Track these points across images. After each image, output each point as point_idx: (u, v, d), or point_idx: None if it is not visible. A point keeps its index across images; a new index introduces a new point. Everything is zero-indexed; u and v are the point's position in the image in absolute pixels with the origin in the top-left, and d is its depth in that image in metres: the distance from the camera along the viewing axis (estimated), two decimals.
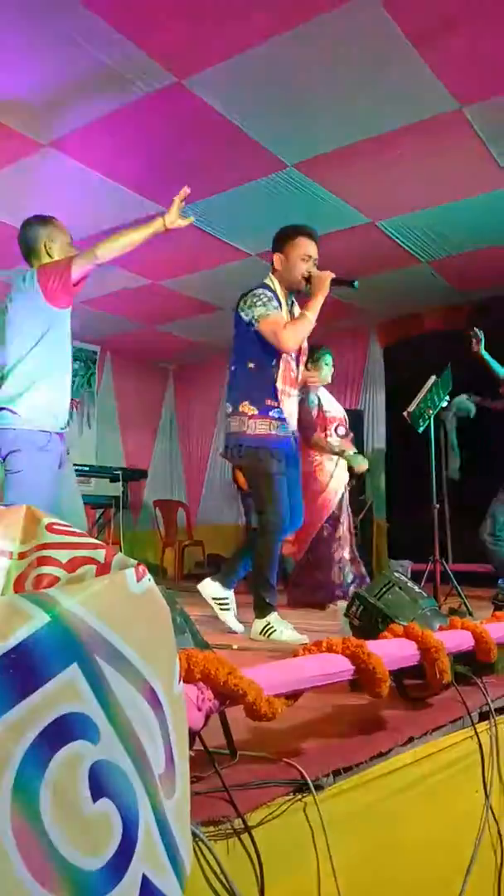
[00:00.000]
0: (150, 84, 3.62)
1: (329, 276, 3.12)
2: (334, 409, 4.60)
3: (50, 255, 2.87)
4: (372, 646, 1.64)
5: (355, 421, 7.00)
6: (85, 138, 4.05)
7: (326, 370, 4.56)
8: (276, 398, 3.09)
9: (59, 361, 2.73)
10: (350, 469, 4.62)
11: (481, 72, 3.52)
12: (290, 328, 3.03)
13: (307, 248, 3.20)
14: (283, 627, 2.93)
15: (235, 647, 2.40)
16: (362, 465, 4.60)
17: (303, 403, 4.23)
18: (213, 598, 3.22)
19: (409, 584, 2.08)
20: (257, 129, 4.01)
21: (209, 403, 8.41)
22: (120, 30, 3.24)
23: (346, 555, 4.46)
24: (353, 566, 4.49)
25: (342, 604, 2.61)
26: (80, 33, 3.23)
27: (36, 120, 3.91)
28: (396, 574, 2.06)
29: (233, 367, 3.16)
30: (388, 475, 6.88)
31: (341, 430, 4.60)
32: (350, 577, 4.46)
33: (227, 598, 3.20)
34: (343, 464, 4.55)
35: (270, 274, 3.25)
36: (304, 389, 4.27)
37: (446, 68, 3.51)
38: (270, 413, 3.08)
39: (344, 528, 4.49)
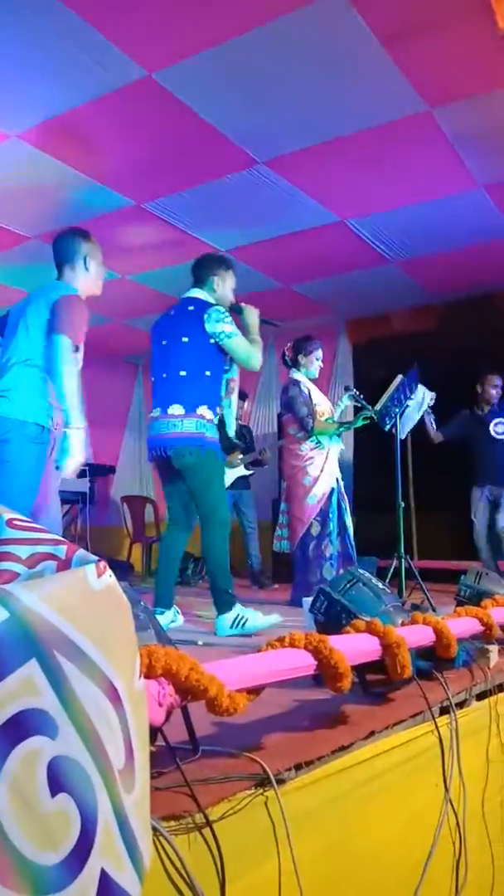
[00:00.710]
0: (120, 77, 3.59)
1: (256, 311, 3.54)
2: (323, 403, 4.59)
3: (87, 269, 3.04)
4: (334, 641, 1.65)
5: None
6: (54, 130, 4.01)
7: (317, 364, 4.64)
8: (219, 406, 3.39)
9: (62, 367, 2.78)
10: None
11: (450, 74, 3.57)
12: (258, 350, 3.36)
13: (234, 281, 3.59)
14: (251, 614, 3.06)
15: (200, 643, 2.40)
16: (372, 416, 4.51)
17: (297, 396, 4.45)
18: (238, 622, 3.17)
19: (374, 580, 2.10)
20: (228, 124, 4.01)
21: None
22: (90, 21, 3.21)
23: (336, 551, 4.34)
24: (346, 563, 4.35)
25: (307, 600, 2.62)
26: (48, 23, 3.19)
27: (2, 110, 3.86)
28: (361, 570, 2.09)
29: (184, 373, 3.30)
30: (354, 473, 6.84)
31: (324, 417, 4.62)
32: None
33: (242, 615, 3.16)
34: (333, 458, 4.46)
35: (207, 291, 3.48)
36: (294, 382, 4.51)
37: (416, 69, 3.55)
38: (215, 420, 3.35)
39: (333, 524, 4.39)
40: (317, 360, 4.65)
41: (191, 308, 3.38)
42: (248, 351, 3.28)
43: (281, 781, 1.30)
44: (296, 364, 4.65)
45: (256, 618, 3.09)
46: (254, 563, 6.07)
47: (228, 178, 4.53)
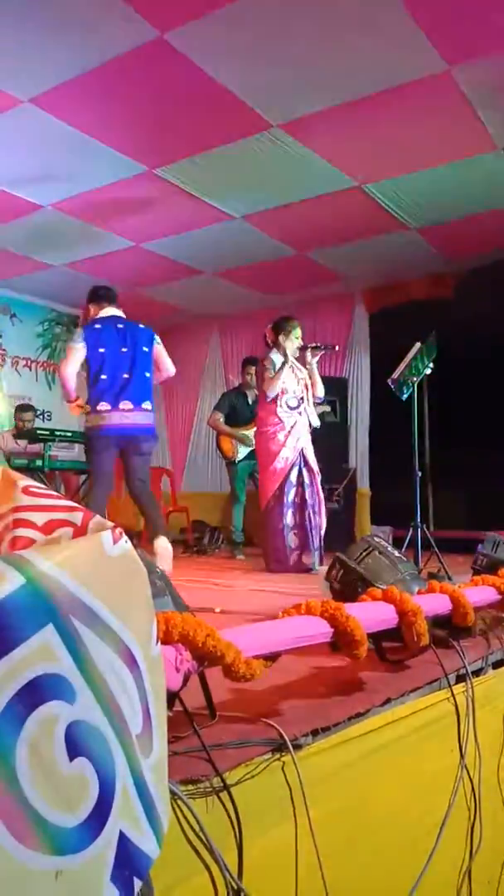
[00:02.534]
0: (132, 39, 3.52)
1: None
2: (291, 384, 4.63)
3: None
4: (351, 608, 1.65)
5: (340, 388, 6.87)
6: (66, 95, 3.95)
7: (296, 343, 4.69)
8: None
9: None
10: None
11: (470, 31, 3.46)
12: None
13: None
14: None
15: (218, 610, 2.40)
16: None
17: (265, 369, 4.67)
18: None
19: (389, 548, 2.09)
20: (241, 86, 3.92)
21: (194, 367, 8.26)
22: None
23: (289, 521, 4.47)
24: (297, 535, 4.50)
25: (323, 568, 2.63)
26: None
27: (13, 75, 3.80)
28: (377, 539, 2.07)
29: (147, 374, 4.13)
30: (371, 443, 6.84)
31: (292, 401, 4.61)
32: (293, 544, 4.50)
33: None
34: (300, 429, 4.57)
35: (118, 311, 4.27)
36: (266, 360, 4.70)
37: (435, 27, 3.44)
38: None
39: (291, 496, 4.50)
40: (296, 338, 4.70)
41: (140, 325, 4.22)
42: (170, 364, 4.35)
43: (298, 747, 1.31)
44: (276, 345, 4.69)
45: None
46: None
47: (242, 142, 4.45)
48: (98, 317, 4.22)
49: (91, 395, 4.06)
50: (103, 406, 4.01)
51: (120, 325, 4.15)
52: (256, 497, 5.00)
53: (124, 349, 4.07)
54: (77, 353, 4.06)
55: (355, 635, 1.60)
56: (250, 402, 5.83)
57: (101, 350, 4.04)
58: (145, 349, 4.14)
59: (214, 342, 8.32)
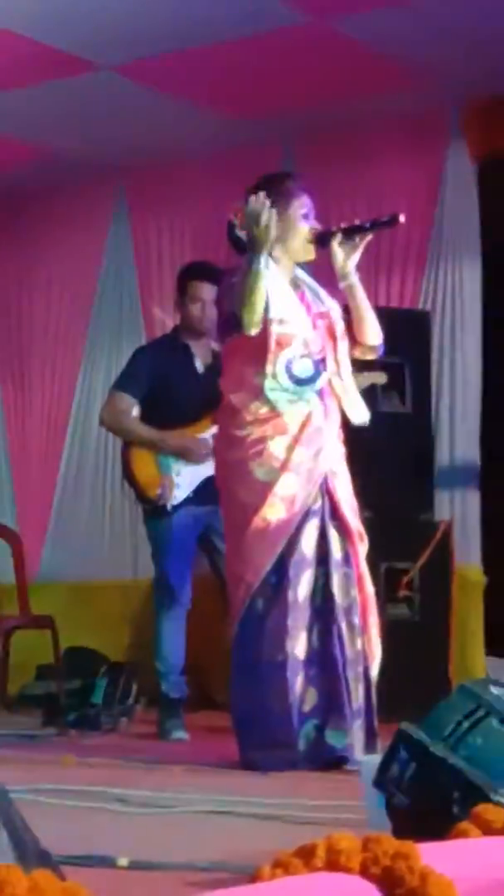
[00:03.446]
0: None
1: None
2: (294, 319, 2.24)
3: None
4: (433, 854, 0.83)
5: (412, 335, 3.27)
6: None
7: (303, 227, 2.28)
8: None
9: None
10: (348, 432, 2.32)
11: None
12: None
13: None
14: None
15: (123, 862, 1.22)
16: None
17: (225, 296, 2.32)
18: None
19: None
20: None
21: (74, 289, 4.17)
22: None
23: (301, 652, 2.16)
24: (314, 683, 2.18)
25: (367, 758, 1.53)
26: None
27: None
28: (498, 692, 1.18)
29: None
30: (486, 470, 3.43)
31: (303, 367, 2.22)
32: (308, 706, 2.15)
33: None
34: (321, 433, 2.23)
35: None
36: (239, 276, 2.22)
37: None
38: None
39: (302, 590, 2.18)
40: (301, 217, 2.27)
41: None
42: None
43: None
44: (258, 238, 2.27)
45: None
46: None
47: None
48: None
49: None
50: None
51: None
52: (215, 595, 2.72)
53: None
54: None
55: None
56: (200, 368, 2.93)
57: None
58: None
59: (119, 229, 4.09)
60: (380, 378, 2.81)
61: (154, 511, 2.85)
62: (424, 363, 3.32)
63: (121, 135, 3.71)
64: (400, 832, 0.91)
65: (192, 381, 2.87)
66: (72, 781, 1.95)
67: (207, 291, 2.79)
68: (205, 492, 2.73)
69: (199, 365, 2.90)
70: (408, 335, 3.20)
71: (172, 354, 2.95)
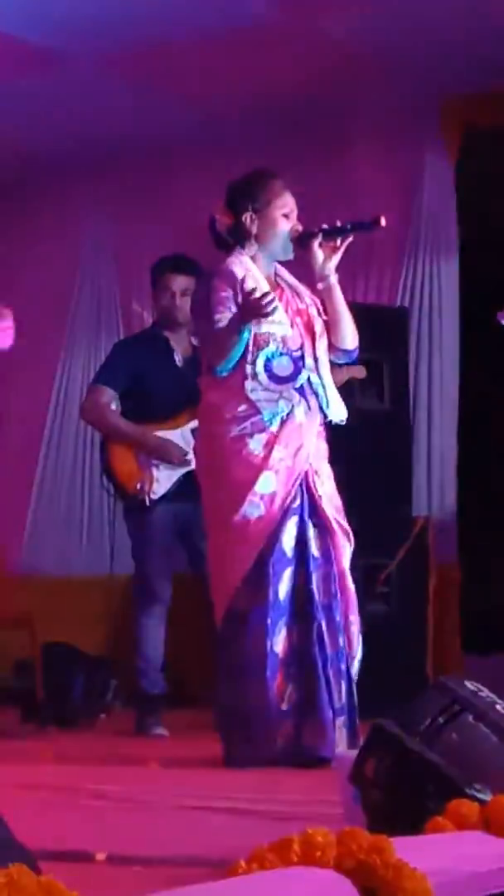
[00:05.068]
0: None
1: None
2: (274, 324, 2.23)
3: None
4: (407, 848, 0.84)
5: (389, 333, 3.27)
6: None
7: (284, 226, 2.25)
8: None
9: None
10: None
11: None
12: None
13: None
14: None
15: (101, 857, 1.23)
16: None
17: (211, 293, 2.25)
18: None
19: (501, 707, 1.22)
20: None
21: (51, 289, 4.12)
22: None
23: (278, 645, 2.16)
24: (294, 680, 2.18)
25: (343, 751, 1.54)
26: None
27: None
28: (473, 688, 1.20)
29: None
30: (464, 459, 3.41)
31: (282, 365, 2.22)
32: (287, 704, 2.15)
33: None
34: (301, 431, 2.21)
35: None
36: (218, 275, 2.27)
37: None
38: None
39: (283, 587, 2.18)
40: (283, 217, 2.26)
41: None
42: None
43: None
44: (240, 236, 2.29)
45: None
46: None
47: None
48: None
49: None
50: None
51: None
52: (196, 593, 2.62)
53: None
54: None
55: None
56: (179, 361, 2.88)
57: None
58: None
59: (98, 224, 4.09)
60: (359, 372, 2.77)
61: (134, 506, 2.80)
62: (402, 360, 3.32)
63: (98, 130, 3.64)
64: (375, 827, 0.91)
65: (171, 375, 2.82)
66: (49, 777, 1.95)
67: (181, 283, 2.79)
68: (185, 487, 2.69)
69: (179, 358, 2.85)
70: (385, 332, 3.19)
71: (152, 348, 2.91)
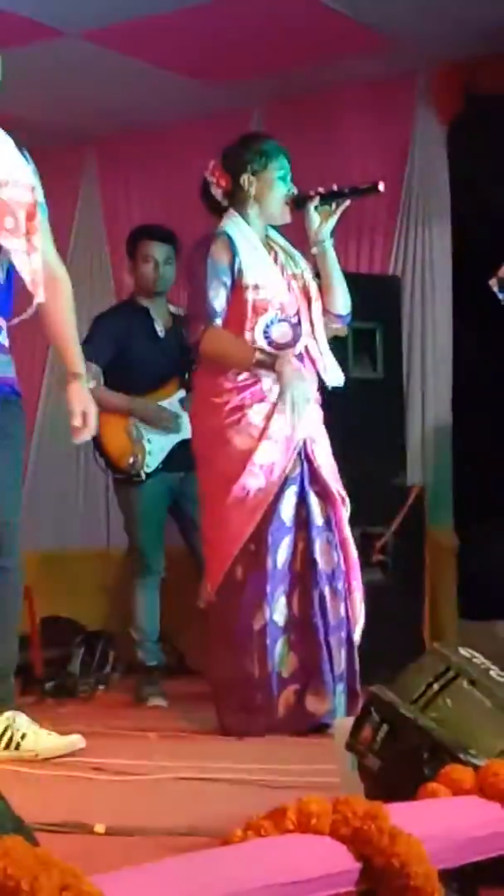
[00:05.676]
0: None
1: None
2: (270, 284, 2.22)
3: None
4: (402, 814, 0.84)
5: (382, 299, 3.26)
6: None
7: (281, 189, 2.24)
8: None
9: None
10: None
11: None
12: None
13: None
14: (28, 728, 1.81)
15: (100, 828, 1.24)
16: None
17: (207, 265, 2.20)
18: None
19: (493, 671, 1.21)
20: None
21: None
22: None
23: (280, 618, 2.16)
24: (294, 648, 2.19)
25: (340, 721, 1.53)
26: None
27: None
28: (467, 654, 1.19)
29: None
30: (458, 426, 3.37)
31: (280, 331, 2.20)
32: (288, 671, 2.16)
33: None
34: (296, 398, 2.19)
35: None
36: (213, 239, 2.23)
37: None
38: None
39: (281, 556, 2.17)
40: (279, 181, 2.22)
41: None
42: None
43: None
44: (234, 200, 2.26)
45: (39, 737, 1.82)
46: None
47: None
48: None
49: None
50: None
51: None
52: (190, 564, 2.70)
53: None
54: None
55: (410, 875, 0.78)
56: (161, 331, 2.82)
57: None
58: None
59: (89, 195, 4.02)
60: (341, 330, 2.63)
61: (126, 480, 2.77)
62: (395, 328, 3.29)
63: (89, 101, 3.60)
64: (372, 793, 0.92)
65: (153, 345, 2.77)
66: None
67: (158, 250, 2.75)
68: (176, 458, 2.68)
69: (160, 328, 2.79)
70: (378, 300, 3.17)
71: (132, 319, 2.84)
